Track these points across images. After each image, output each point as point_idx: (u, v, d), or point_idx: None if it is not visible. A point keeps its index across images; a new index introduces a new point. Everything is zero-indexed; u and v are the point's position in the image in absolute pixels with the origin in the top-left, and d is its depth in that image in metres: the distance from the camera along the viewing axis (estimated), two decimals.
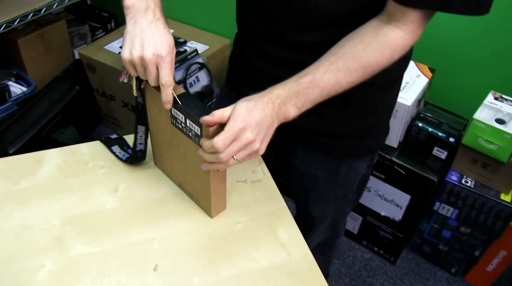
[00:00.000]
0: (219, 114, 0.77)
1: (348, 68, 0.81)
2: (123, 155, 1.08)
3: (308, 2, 0.85)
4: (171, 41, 0.82)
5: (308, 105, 0.83)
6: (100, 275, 0.84)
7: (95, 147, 1.12)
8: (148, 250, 0.89)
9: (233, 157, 0.78)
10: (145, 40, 0.80)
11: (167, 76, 0.80)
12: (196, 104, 0.83)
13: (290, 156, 1.18)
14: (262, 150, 0.80)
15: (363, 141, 1.10)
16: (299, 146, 1.14)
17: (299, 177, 1.21)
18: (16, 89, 2.05)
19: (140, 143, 1.01)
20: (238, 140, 0.77)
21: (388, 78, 1.01)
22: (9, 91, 2.03)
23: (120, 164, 1.08)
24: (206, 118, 0.76)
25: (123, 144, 1.12)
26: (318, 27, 0.88)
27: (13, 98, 1.99)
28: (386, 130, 1.16)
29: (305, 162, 1.15)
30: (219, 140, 0.75)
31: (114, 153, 1.09)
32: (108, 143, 1.12)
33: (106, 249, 0.89)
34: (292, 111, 0.82)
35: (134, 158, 1.05)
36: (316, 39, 0.89)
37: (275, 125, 0.82)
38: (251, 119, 0.77)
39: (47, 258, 0.87)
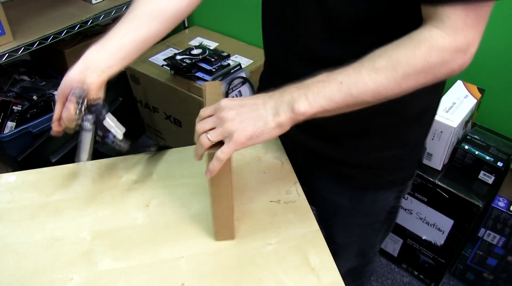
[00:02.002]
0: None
1: (374, 65, 0.70)
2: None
3: (321, 8, 0.80)
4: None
5: (322, 101, 0.71)
6: None
7: (130, 161, 1.12)
8: (175, 268, 0.88)
9: (207, 137, 0.74)
10: None
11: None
12: None
13: (313, 181, 1.13)
14: (239, 137, 0.72)
15: (386, 174, 1.03)
16: (321, 172, 1.09)
17: (322, 203, 1.17)
18: None
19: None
20: (214, 116, 0.75)
21: (415, 108, 0.92)
22: (54, 100, 2.08)
23: (153, 179, 1.07)
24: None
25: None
26: (340, 39, 0.82)
27: None
28: (414, 162, 1.07)
29: (328, 189, 1.11)
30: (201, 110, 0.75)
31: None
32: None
33: (133, 265, 0.88)
34: (301, 104, 0.71)
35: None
36: (339, 53, 0.83)
37: (270, 117, 0.73)
38: (234, 101, 0.75)
39: (75, 271, 0.87)
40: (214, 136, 0.74)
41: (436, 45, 0.69)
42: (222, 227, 0.90)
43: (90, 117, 0.90)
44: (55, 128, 0.92)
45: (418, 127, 0.99)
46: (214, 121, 0.75)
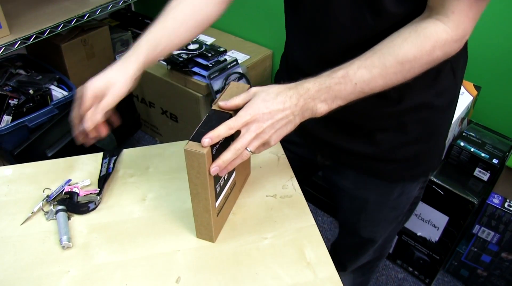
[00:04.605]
0: (233, 103, 0.80)
1: (384, 63, 0.76)
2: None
3: (355, 17, 0.83)
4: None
5: (339, 102, 0.79)
6: (122, 284, 0.84)
7: (126, 155, 1.12)
8: (171, 261, 0.88)
9: (246, 149, 0.78)
10: None
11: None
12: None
13: (340, 179, 1.14)
14: (274, 142, 0.80)
15: (417, 165, 1.05)
16: (351, 170, 1.10)
17: (348, 201, 1.18)
18: (58, 93, 2.09)
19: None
20: (248, 129, 0.77)
21: (446, 99, 0.97)
22: (51, 95, 2.08)
23: (150, 173, 1.07)
24: (221, 103, 0.80)
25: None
26: (365, 45, 0.84)
27: (54, 102, 2.04)
28: (441, 151, 1.11)
29: (356, 186, 1.12)
30: (227, 123, 0.77)
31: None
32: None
33: (130, 258, 0.89)
34: (320, 107, 0.79)
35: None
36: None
37: (297, 121, 0.80)
38: (265, 110, 0.77)
39: (72, 265, 0.87)
40: (254, 148, 0.79)
41: (440, 41, 0.75)
42: (201, 226, 0.90)
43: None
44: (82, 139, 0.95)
45: (448, 116, 1.04)
46: (251, 136, 0.77)
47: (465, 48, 0.95)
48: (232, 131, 0.77)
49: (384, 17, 0.80)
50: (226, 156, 0.77)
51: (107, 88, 0.88)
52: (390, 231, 1.25)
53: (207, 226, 0.89)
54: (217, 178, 0.83)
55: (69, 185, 1.02)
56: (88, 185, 1.03)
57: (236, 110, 0.81)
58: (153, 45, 0.92)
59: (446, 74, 0.92)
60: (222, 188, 0.88)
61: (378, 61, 0.76)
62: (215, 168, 0.77)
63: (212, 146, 0.76)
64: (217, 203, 0.86)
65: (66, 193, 1.00)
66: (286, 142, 1.13)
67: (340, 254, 1.39)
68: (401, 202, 1.13)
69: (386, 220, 1.18)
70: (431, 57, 0.77)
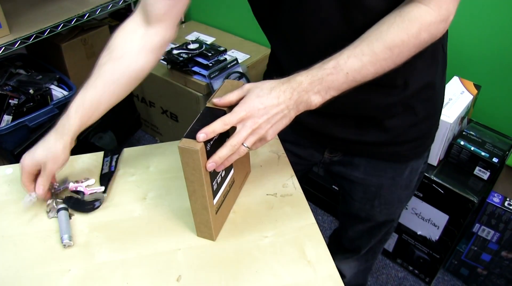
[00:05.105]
0: (227, 99, 0.81)
1: (373, 50, 0.77)
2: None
3: (337, 14, 0.83)
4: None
5: (332, 93, 0.80)
6: (123, 283, 0.84)
7: (127, 154, 1.13)
8: (172, 260, 0.88)
9: (243, 144, 0.79)
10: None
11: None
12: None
13: (350, 171, 1.15)
14: (270, 137, 0.80)
15: (425, 142, 1.10)
16: (361, 160, 1.12)
17: (361, 190, 1.19)
18: (58, 92, 2.09)
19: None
20: (244, 125, 0.78)
21: (440, 73, 1.01)
22: (51, 94, 2.08)
23: (150, 172, 1.07)
24: (215, 100, 0.81)
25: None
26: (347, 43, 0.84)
27: (54, 102, 2.04)
28: (437, 126, 1.14)
29: (368, 174, 1.14)
30: (222, 118, 0.77)
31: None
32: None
33: (130, 257, 0.89)
34: (315, 99, 0.80)
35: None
36: None
37: (293, 114, 0.81)
38: (259, 105, 0.78)
39: (73, 263, 0.87)
40: (251, 144, 0.80)
41: (425, 23, 0.77)
42: (201, 224, 0.90)
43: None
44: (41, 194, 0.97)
45: (443, 87, 1.08)
46: (247, 131, 0.78)
47: None
48: (227, 127, 0.78)
49: (367, 13, 0.82)
50: (223, 152, 0.78)
51: (47, 157, 0.93)
52: (401, 208, 1.30)
53: (207, 224, 0.89)
54: (213, 175, 0.83)
55: (73, 182, 1.03)
56: (92, 185, 1.04)
57: (230, 107, 0.81)
58: (86, 110, 0.94)
59: (440, 52, 0.96)
60: (219, 185, 0.88)
61: (367, 49, 0.77)
62: (211, 163, 0.78)
63: (206, 143, 0.76)
64: (215, 200, 0.86)
65: (72, 192, 1.01)
66: (292, 145, 1.14)
67: (351, 240, 1.43)
68: (411, 180, 1.16)
69: (399, 200, 1.22)
70: (418, 40, 0.78)
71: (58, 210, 0.96)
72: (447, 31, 0.93)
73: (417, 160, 1.13)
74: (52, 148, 0.93)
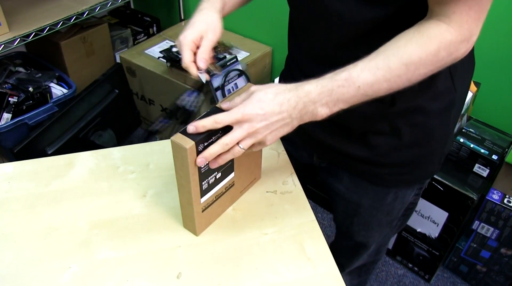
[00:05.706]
0: (233, 104, 0.80)
1: (389, 65, 0.74)
2: None
3: (335, 13, 0.82)
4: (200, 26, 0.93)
5: (341, 105, 0.77)
6: (123, 280, 0.84)
7: (127, 151, 1.13)
8: (172, 257, 0.88)
9: (238, 145, 0.78)
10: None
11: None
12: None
13: (335, 181, 1.13)
14: (270, 142, 0.80)
15: (412, 171, 1.03)
16: (345, 173, 1.09)
17: (342, 204, 1.17)
18: (57, 90, 2.10)
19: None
20: (240, 127, 0.77)
21: (442, 103, 0.93)
22: (50, 92, 2.08)
23: (150, 169, 1.07)
24: (222, 105, 0.81)
25: None
26: (356, 42, 0.84)
27: (54, 99, 2.04)
28: (439, 158, 1.04)
29: (349, 190, 1.11)
30: (215, 116, 0.77)
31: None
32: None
33: (130, 254, 0.89)
34: (321, 111, 0.77)
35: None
36: (357, 55, 0.81)
37: (295, 123, 0.79)
38: (259, 111, 0.76)
39: (73, 261, 0.88)
40: (247, 146, 0.79)
41: (444, 41, 0.73)
42: (186, 218, 0.91)
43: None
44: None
45: (447, 122, 0.98)
46: (242, 133, 0.77)
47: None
48: (219, 126, 0.77)
49: (379, 7, 0.78)
50: (213, 148, 0.78)
51: (208, 27, 0.94)
52: (383, 236, 1.24)
53: (191, 219, 0.89)
54: (205, 174, 0.83)
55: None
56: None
57: None
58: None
59: (442, 78, 0.89)
60: (211, 186, 0.87)
61: (382, 63, 0.74)
62: (200, 159, 0.78)
63: (199, 143, 0.77)
64: (203, 199, 0.87)
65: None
66: (286, 143, 1.13)
67: (337, 255, 1.39)
68: (394, 207, 1.11)
69: (379, 224, 1.17)
70: (436, 58, 0.74)
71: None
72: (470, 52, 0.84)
73: (404, 189, 1.08)
74: (209, 19, 0.95)
